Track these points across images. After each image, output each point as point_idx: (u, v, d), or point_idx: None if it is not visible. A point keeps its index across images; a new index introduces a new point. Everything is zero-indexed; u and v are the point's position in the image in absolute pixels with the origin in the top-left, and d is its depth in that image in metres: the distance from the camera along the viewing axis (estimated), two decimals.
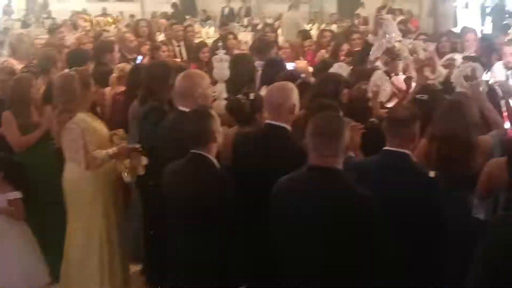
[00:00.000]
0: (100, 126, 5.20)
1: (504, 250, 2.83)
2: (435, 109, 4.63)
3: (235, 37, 10.17)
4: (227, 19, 22.78)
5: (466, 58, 7.06)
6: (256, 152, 4.26)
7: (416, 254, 3.67)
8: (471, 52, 8.08)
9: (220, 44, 6.45)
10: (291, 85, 4.49)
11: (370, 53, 7.00)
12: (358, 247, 3.32)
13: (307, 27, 16.92)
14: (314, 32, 14.60)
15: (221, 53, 6.00)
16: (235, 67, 6.27)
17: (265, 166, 4.02)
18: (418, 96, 5.02)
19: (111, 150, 4.96)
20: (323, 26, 18.62)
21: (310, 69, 7.51)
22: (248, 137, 4.49)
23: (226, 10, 24.74)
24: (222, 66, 5.70)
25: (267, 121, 4.36)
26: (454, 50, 8.27)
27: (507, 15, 23.45)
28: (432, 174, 3.77)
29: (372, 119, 5.07)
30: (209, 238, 3.74)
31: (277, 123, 4.24)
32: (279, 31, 15.55)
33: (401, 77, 6.58)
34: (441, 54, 8.07)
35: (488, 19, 25.75)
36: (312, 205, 3.35)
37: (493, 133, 4.64)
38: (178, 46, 10.21)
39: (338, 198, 3.34)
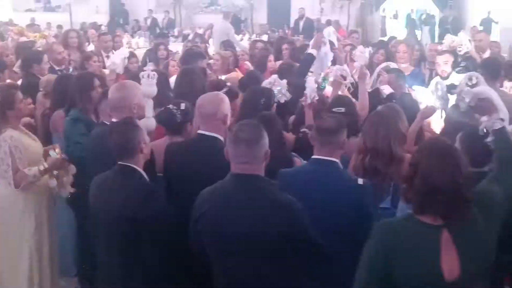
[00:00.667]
0: (33, 143, 5.08)
1: (386, 257, 2.90)
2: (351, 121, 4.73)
3: (166, 48, 10.12)
4: (151, 29, 22.62)
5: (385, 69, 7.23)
6: (188, 162, 4.23)
7: (348, 260, 3.70)
8: (403, 62, 8.31)
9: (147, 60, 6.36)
10: (221, 95, 4.49)
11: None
12: (286, 253, 3.35)
13: (238, 37, 16.99)
14: (245, 43, 14.71)
15: (149, 69, 5.88)
16: (182, 80, 6.24)
17: (198, 176, 3.98)
18: (335, 109, 5.05)
19: (43, 166, 4.85)
20: (253, 36, 18.80)
21: None
22: (180, 148, 4.46)
23: (149, 21, 24.46)
24: (149, 83, 5.57)
25: (199, 131, 4.34)
26: (388, 60, 8.47)
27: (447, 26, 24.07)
28: (360, 181, 3.83)
29: (303, 129, 5.11)
30: (138, 252, 3.69)
31: (209, 133, 4.22)
32: (210, 41, 15.61)
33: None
34: (374, 65, 8.23)
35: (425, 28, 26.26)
36: (236, 214, 3.36)
37: None
38: (107, 56, 10.09)
39: (261, 205, 3.36)
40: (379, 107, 5.05)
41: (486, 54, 8.91)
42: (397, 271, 2.87)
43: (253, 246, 3.35)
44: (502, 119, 3.66)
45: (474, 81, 4.97)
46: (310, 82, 5.75)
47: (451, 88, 5.94)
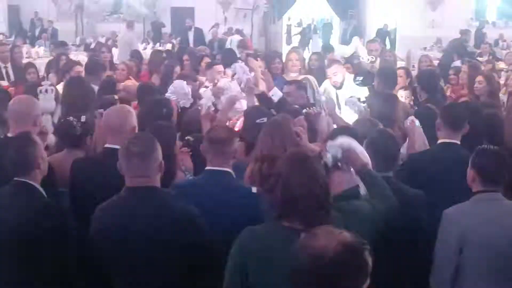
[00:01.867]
0: None
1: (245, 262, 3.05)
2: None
3: (68, 58, 9.94)
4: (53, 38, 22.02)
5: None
6: (96, 178, 4.16)
7: None
8: (295, 71, 8.44)
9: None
10: (128, 107, 4.47)
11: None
12: (186, 262, 3.40)
13: (141, 46, 16.87)
14: (148, 52, 14.61)
15: (46, 84, 5.73)
16: (68, 90, 6.12)
17: (106, 192, 3.81)
18: (258, 120, 5.08)
19: None
20: (157, 46, 18.71)
21: None
22: (87, 163, 4.41)
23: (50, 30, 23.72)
24: (47, 98, 5.42)
25: (107, 145, 4.29)
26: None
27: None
28: (254, 190, 3.91)
29: (187, 137, 5.14)
30: (39, 268, 3.60)
31: (117, 147, 3.98)
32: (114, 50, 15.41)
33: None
34: (273, 75, 8.34)
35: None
36: (132, 227, 3.36)
37: None
38: (6, 67, 9.81)
39: (161, 216, 3.38)
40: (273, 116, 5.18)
41: (377, 63, 9.20)
42: (256, 277, 3.01)
43: (156, 258, 3.36)
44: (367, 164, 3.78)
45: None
46: (206, 93, 5.80)
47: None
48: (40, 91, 5.42)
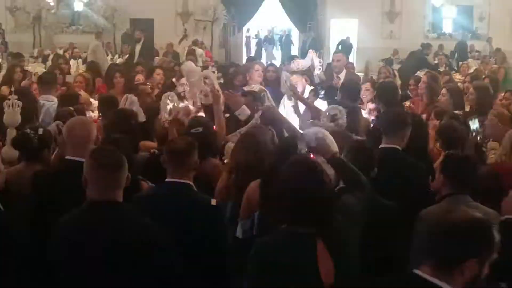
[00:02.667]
0: None
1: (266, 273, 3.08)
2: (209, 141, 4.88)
3: (22, 70, 9.80)
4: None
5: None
6: (58, 191, 4.07)
7: (203, 279, 3.79)
8: (257, 82, 8.46)
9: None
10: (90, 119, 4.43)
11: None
12: (147, 280, 3.33)
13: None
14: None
15: (13, 98, 5.64)
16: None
17: (68, 205, 3.69)
18: (193, 130, 5.09)
19: None
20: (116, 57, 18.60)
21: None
22: (49, 175, 4.33)
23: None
24: (12, 112, 5.33)
25: (68, 157, 4.22)
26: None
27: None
28: (213, 202, 3.93)
29: (152, 150, 5.10)
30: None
31: (79, 159, 3.95)
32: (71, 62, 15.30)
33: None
34: (236, 87, 8.37)
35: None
36: (91, 244, 3.29)
37: None
38: None
39: (119, 231, 3.31)
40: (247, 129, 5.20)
41: (342, 74, 9.24)
42: (275, 285, 3.03)
43: (115, 276, 3.29)
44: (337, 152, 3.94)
45: (338, 116, 5.32)
46: (163, 102, 5.79)
47: None
48: (6, 105, 5.34)
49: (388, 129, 4.96)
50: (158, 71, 9.35)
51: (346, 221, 3.24)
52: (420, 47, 17.77)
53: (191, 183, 4.00)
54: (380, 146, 4.93)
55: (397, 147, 4.89)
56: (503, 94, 7.65)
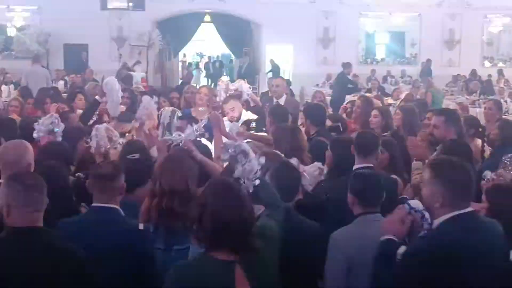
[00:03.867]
0: None
1: None
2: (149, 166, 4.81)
3: None
4: None
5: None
6: None
7: None
8: (201, 105, 8.47)
9: None
10: (26, 143, 4.37)
11: None
12: None
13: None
14: None
15: None
16: None
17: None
18: (129, 156, 5.05)
19: None
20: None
21: None
22: None
23: None
24: None
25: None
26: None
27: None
28: (141, 226, 3.91)
29: (78, 174, 5.06)
30: None
31: None
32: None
33: None
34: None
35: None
36: (13, 272, 3.21)
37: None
38: None
39: (41, 260, 3.24)
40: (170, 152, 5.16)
41: (283, 99, 9.34)
42: None
43: None
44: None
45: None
46: (99, 131, 5.72)
47: None
48: None
49: (366, 149, 5.09)
50: (80, 96, 9.32)
51: (265, 244, 3.22)
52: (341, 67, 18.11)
53: (117, 207, 3.96)
54: (356, 166, 5.01)
55: (372, 165, 5.02)
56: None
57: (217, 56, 32.87)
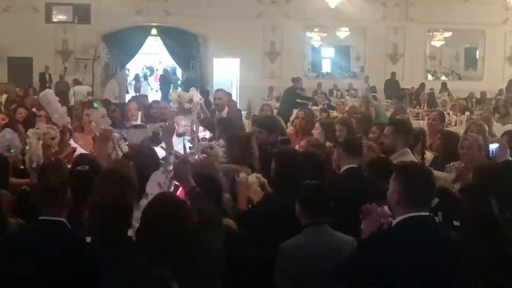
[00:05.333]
0: None
1: None
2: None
3: None
4: None
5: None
6: None
7: None
8: (134, 119, 8.45)
9: None
10: None
11: None
12: None
13: None
14: None
15: None
16: None
17: None
18: (79, 167, 4.99)
19: None
20: None
21: None
22: None
23: None
24: None
25: None
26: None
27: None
28: (88, 239, 3.87)
29: (23, 187, 5.01)
30: None
31: None
32: None
33: None
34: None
35: None
36: None
37: None
38: None
39: None
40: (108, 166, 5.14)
41: (225, 112, 9.47)
42: None
43: None
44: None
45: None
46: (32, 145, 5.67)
47: None
48: None
49: (355, 151, 5.68)
50: (20, 110, 9.13)
51: (205, 258, 3.24)
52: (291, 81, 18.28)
53: (64, 220, 3.92)
54: (345, 167, 5.53)
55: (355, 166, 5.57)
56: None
57: (164, 70, 32.70)
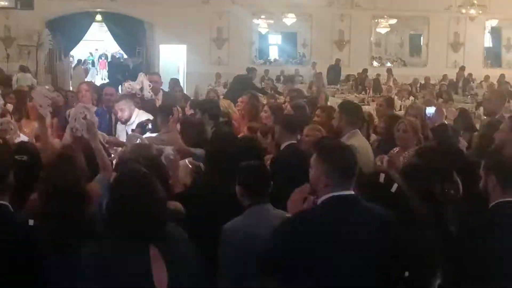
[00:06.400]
0: None
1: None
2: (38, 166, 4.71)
3: None
4: None
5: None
6: None
7: None
8: (86, 101, 8.33)
9: None
10: None
11: None
12: None
13: None
14: None
15: None
16: None
17: None
18: (17, 156, 4.88)
19: None
20: None
21: None
22: None
23: None
24: None
25: None
26: None
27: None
28: (31, 222, 3.82)
29: None
30: None
31: None
32: None
33: None
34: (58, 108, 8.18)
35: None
36: None
37: (99, 177, 4.84)
38: None
39: None
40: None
41: (160, 95, 9.72)
42: None
43: None
44: None
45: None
46: None
47: None
48: None
49: (293, 128, 6.16)
50: None
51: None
52: (246, 71, 18.30)
53: (7, 203, 3.84)
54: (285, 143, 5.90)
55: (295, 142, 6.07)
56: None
57: (113, 57, 32.29)
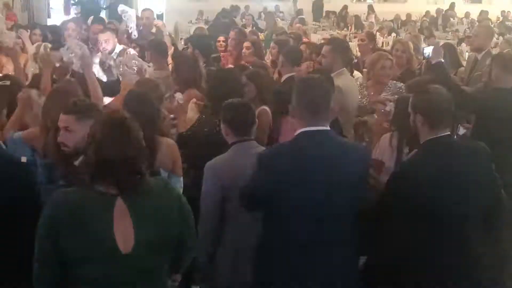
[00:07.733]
0: None
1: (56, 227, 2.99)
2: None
3: None
4: None
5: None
6: None
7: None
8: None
9: None
10: None
11: None
12: None
13: None
14: None
15: None
16: None
17: None
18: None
19: None
20: None
21: None
22: None
23: None
24: None
25: None
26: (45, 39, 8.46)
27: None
28: (24, 159, 3.92)
29: None
30: None
31: None
32: None
33: None
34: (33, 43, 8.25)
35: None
36: None
37: None
38: None
39: None
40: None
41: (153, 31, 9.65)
42: (67, 242, 2.89)
43: None
44: None
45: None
46: None
47: None
48: None
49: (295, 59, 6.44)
50: None
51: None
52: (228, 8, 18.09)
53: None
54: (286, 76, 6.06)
55: None
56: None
57: None
